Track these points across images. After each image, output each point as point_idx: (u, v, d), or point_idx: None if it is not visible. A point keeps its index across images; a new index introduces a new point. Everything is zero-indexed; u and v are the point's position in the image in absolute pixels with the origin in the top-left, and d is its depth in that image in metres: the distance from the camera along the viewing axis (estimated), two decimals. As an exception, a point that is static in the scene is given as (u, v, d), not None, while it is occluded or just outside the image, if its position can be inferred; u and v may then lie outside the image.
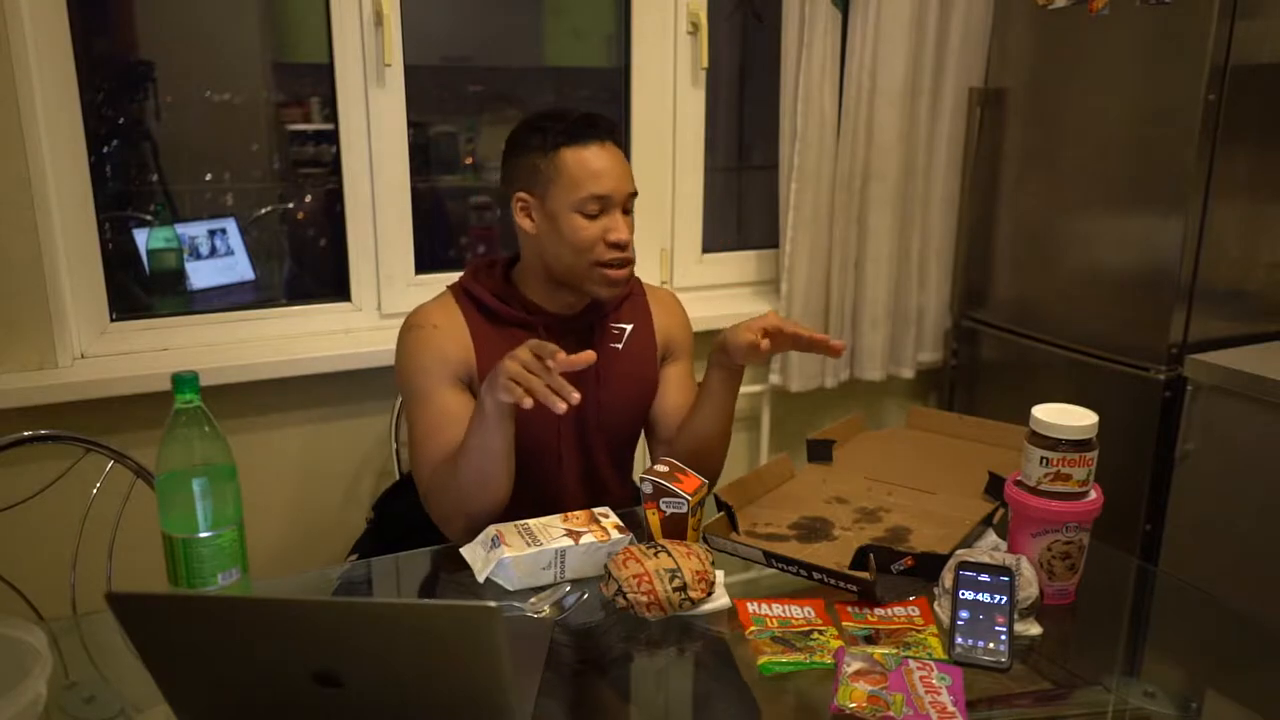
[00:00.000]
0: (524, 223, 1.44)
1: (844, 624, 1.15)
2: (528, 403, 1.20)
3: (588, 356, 1.22)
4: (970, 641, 1.09)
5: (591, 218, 1.40)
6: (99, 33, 1.87)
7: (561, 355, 1.21)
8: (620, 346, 1.53)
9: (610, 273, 1.42)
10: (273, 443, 2.00)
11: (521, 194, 1.43)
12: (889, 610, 1.17)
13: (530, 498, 1.42)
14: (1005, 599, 1.12)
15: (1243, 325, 2.08)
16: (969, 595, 1.12)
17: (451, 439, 1.39)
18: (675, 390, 1.58)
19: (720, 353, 1.43)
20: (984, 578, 1.14)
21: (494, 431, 1.30)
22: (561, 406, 1.19)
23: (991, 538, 1.36)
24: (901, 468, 1.53)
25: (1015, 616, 1.12)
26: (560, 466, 1.50)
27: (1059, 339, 2.26)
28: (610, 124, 1.44)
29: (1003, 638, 1.08)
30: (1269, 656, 1.17)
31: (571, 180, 1.39)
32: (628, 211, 1.44)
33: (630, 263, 1.43)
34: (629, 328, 1.54)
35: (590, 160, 1.39)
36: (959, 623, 1.10)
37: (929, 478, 1.50)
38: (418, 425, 1.44)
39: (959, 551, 1.21)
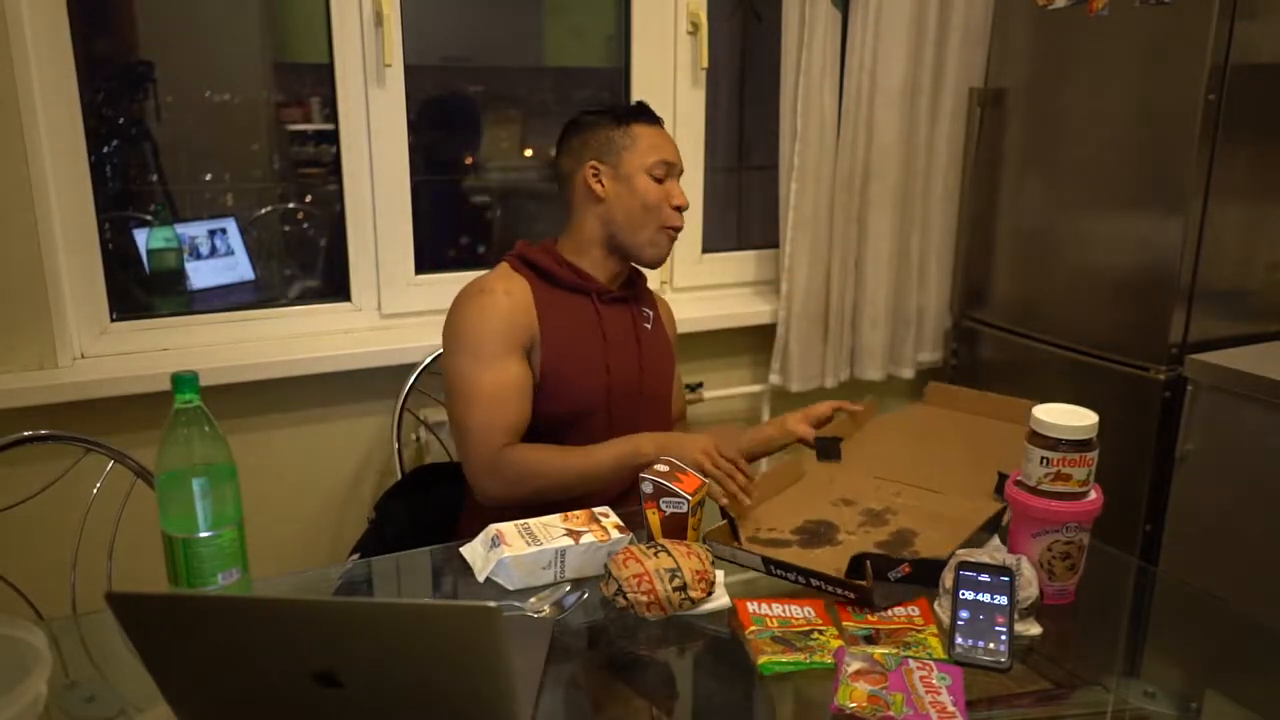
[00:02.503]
0: (596, 188, 1.59)
1: (844, 624, 1.15)
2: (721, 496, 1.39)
3: None
4: (970, 641, 1.09)
5: (659, 181, 1.58)
6: (99, 33, 1.86)
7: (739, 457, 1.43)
8: (650, 326, 1.71)
9: (671, 231, 1.61)
10: (273, 443, 2.00)
11: (594, 163, 1.59)
12: (889, 611, 1.17)
13: None
14: (1005, 599, 1.12)
15: (1243, 325, 2.08)
16: (969, 595, 1.12)
17: (516, 409, 1.49)
18: (676, 388, 1.79)
19: (777, 428, 1.68)
20: (984, 578, 1.14)
21: (619, 478, 1.45)
22: (746, 501, 1.37)
23: (993, 539, 1.35)
24: (911, 462, 1.53)
25: (1015, 616, 1.12)
26: (610, 430, 1.57)
27: (1059, 339, 2.26)
28: None
29: (1003, 638, 1.08)
30: (1269, 657, 1.17)
31: (647, 146, 1.59)
32: None
33: (681, 228, 1.63)
34: (651, 312, 1.73)
35: (656, 134, 1.62)
36: (959, 623, 1.10)
37: (938, 474, 1.49)
38: (481, 389, 1.49)
39: (959, 551, 1.21)
